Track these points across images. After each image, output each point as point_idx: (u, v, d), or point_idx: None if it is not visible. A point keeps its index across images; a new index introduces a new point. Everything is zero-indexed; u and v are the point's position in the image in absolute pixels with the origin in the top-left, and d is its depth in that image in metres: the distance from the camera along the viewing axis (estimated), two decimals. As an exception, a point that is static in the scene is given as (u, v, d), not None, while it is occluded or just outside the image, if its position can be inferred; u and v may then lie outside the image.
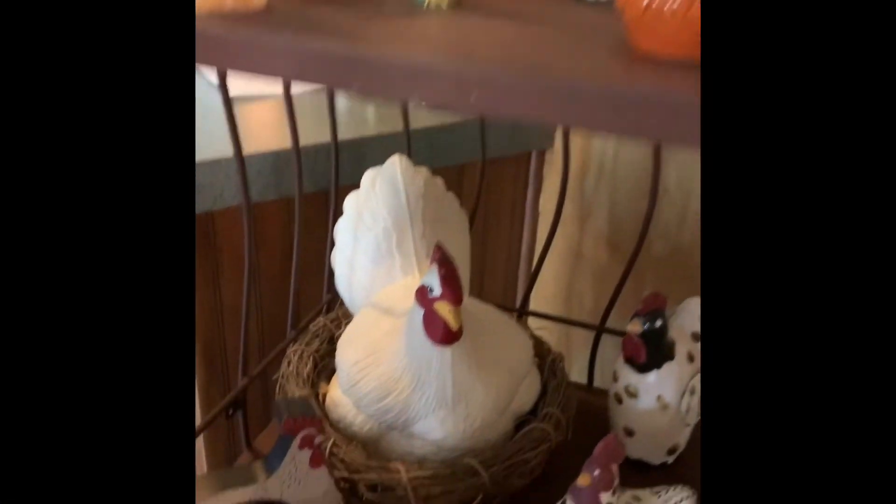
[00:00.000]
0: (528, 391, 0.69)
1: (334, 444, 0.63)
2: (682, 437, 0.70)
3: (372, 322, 0.69)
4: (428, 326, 0.59)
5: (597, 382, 0.86)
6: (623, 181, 0.97)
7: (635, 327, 0.65)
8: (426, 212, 0.74)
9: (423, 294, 0.59)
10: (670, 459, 0.71)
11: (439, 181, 0.77)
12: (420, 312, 0.60)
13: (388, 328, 0.66)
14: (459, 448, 0.63)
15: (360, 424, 0.65)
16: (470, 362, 0.62)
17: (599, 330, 0.83)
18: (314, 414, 0.56)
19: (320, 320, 0.79)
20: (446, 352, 0.60)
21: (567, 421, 0.69)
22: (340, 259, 0.76)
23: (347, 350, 0.67)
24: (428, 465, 0.62)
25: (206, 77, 1.00)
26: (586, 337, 0.89)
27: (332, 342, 0.77)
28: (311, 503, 0.59)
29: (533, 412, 0.69)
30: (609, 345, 0.87)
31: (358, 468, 0.62)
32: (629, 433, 0.69)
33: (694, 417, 0.69)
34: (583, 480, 0.50)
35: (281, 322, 0.82)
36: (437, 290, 0.57)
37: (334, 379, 0.70)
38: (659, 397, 0.67)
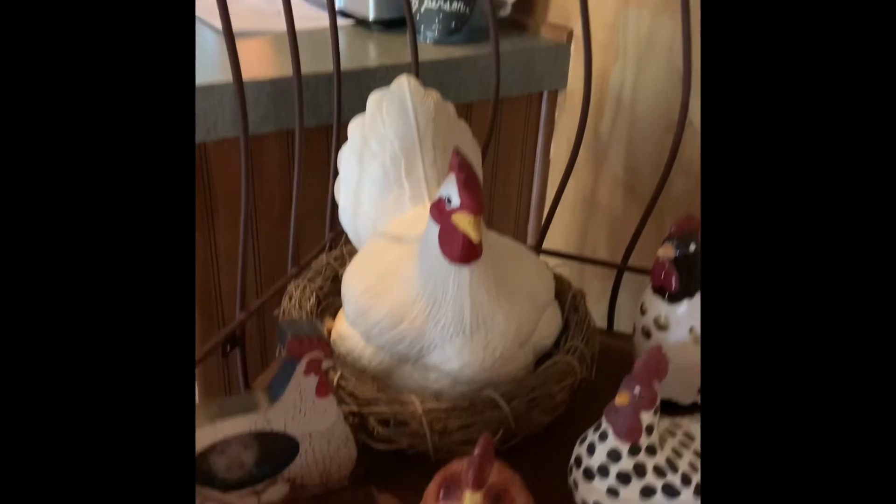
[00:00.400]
0: (549, 324, 0.64)
1: (342, 377, 0.58)
2: (715, 374, 0.65)
3: (381, 250, 0.63)
4: (445, 243, 0.54)
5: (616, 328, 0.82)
6: (642, 116, 0.92)
7: (667, 252, 0.60)
8: (437, 137, 0.68)
9: (439, 207, 0.54)
10: (700, 399, 0.66)
11: (450, 106, 0.71)
12: (436, 229, 0.55)
13: (400, 254, 0.61)
14: (477, 381, 0.58)
15: (370, 357, 0.59)
16: (489, 286, 0.57)
17: (621, 268, 0.78)
18: (321, 335, 0.50)
19: (323, 258, 0.74)
20: (464, 273, 0.55)
21: (592, 357, 0.64)
22: (345, 190, 0.71)
23: (355, 278, 0.62)
24: (445, 399, 0.57)
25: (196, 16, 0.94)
26: (603, 284, 0.84)
27: (336, 281, 0.72)
28: (318, 437, 0.53)
29: (554, 349, 0.65)
30: (625, 291, 0.83)
31: (368, 401, 0.57)
32: (657, 370, 0.64)
33: (727, 352, 0.64)
34: (621, 399, 0.45)
35: (280, 265, 0.77)
36: (456, 200, 0.52)
37: (340, 313, 0.65)
38: (692, 329, 0.62)
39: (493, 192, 1.05)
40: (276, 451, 0.53)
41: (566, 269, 0.81)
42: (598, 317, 0.82)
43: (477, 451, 0.45)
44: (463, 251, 0.53)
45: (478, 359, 0.57)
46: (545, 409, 0.60)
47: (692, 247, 0.60)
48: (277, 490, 0.54)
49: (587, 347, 0.64)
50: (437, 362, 0.57)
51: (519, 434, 0.60)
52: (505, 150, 1.03)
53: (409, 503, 0.50)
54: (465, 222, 0.51)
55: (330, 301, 0.71)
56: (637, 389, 0.45)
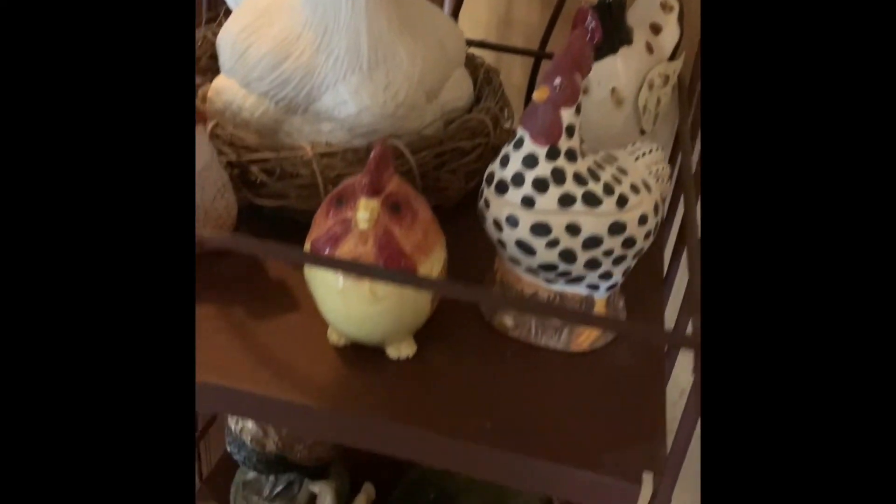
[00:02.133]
0: (459, 85, 0.57)
1: (217, 125, 0.50)
2: (636, 148, 0.61)
3: (263, -7, 0.54)
4: (335, -52, 0.45)
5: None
6: None
7: (590, -2, 0.54)
8: None
9: None
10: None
11: None
12: (324, -66, 0.46)
13: (285, -9, 0.52)
14: (378, 131, 0.50)
15: (252, 108, 0.51)
16: (390, 15, 0.49)
17: (538, 55, 0.72)
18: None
19: (200, 31, 0.63)
20: (360, -9, 0.47)
21: (505, 124, 0.58)
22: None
23: (232, 22, 0.53)
24: (340, 147, 0.49)
25: None
26: (521, 75, 0.78)
27: (213, 59, 0.62)
28: (187, 181, 0.45)
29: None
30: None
31: (250, 148, 0.49)
32: (576, 143, 0.59)
33: (650, 122, 0.60)
34: (539, 94, 0.39)
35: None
36: None
37: (217, 77, 0.55)
38: (613, 90, 0.56)
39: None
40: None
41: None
42: (518, 105, 0.76)
43: (373, 154, 0.38)
44: (356, -48, 0.45)
45: (378, 102, 0.49)
46: (456, 169, 0.53)
47: (617, -9, 0.55)
48: (140, 243, 0.46)
49: (501, 114, 0.58)
50: (329, 108, 0.50)
51: (428, 202, 0.53)
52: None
53: (297, 271, 0.43)
54: None
55: (209, 77, 0.61)
56: (557, 81, 0.39)
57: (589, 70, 0.41)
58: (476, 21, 0.79)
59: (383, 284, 0.38)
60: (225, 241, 0.40)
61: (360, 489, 0.74)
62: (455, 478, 0.75)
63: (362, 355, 0.42)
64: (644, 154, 0.45)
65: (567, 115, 0.39)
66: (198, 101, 0.47)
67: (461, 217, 0.50)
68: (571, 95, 0.39)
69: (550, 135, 0.39)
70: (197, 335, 0.42)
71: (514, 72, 0.96)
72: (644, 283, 0.50)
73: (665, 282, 0.55)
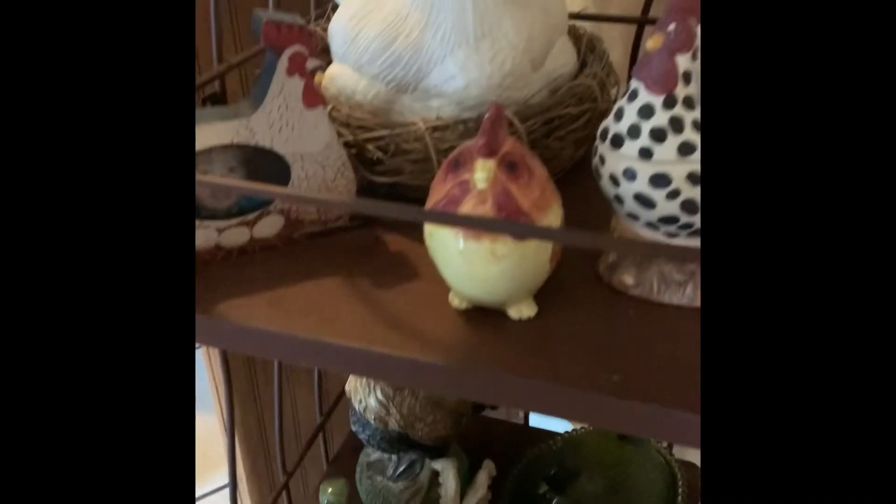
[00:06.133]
0: (564, 53, 0.57)
1: (334, 108, 0.52)
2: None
3: (369, -19, 0.56)
4: (439, -76, 0.47)
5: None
6: None
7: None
8: None
9: None
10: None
11: None
12: (427, -88, 0.47)
13: (390, -23, 0.54)
14: (485, 103, 0.51)
15: (365, 91, 0.53)
16: (494, -14, 0.50)
17: (642, 21, 0.70)
18: (303, 25, 0.44)
19: (310, 27, 0.67)
20: (464, -34, 0.48)
21: (612, 89, 0.57)
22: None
23: (341, 11, 0.55)
24: (452, 120, 0.51)
25: None
26: (622, 51, 0.76)
27: (325, 53, 0.65)
28: (311, 161, 0.48)
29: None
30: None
31: (365, 128, 0.51)
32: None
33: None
34: (654, 42, 0.38)
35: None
36: None
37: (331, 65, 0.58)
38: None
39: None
40: (265, 175, 0.47)
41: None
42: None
43: (487, 115, 0.39)
44: (459, -74, 0.46)
45: (484, 73, 0.50)
46: (565, 137, 0.53)
47: None
48: (271, 222, 0.49)
49: (608, 77, 0.57)
50: (438, 84, 0.51)
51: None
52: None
53: (416, 243, 0.44)
54: None
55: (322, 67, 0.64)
56: (672, 27, 0.38)
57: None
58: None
59: (503, 244, 0.39)
60: (357, 205, 0.41)
61: (477, 470, 0.75)
62: (576, 454, 0.75)
63: (484, 317, 0.43)
64: (764, 100, 0.43)
65: (683, 61, 0.39)
66: (315, 85, 0.49)
67: (573, 182, 0.50)
68: (687, 40, 0.38)
69: (666, 83, 0.39)
70: (330, 303, 0.45)
71: (615, 47, 0.95)
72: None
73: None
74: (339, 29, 0.54)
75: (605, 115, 0.56)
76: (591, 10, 0.94)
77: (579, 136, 0.55)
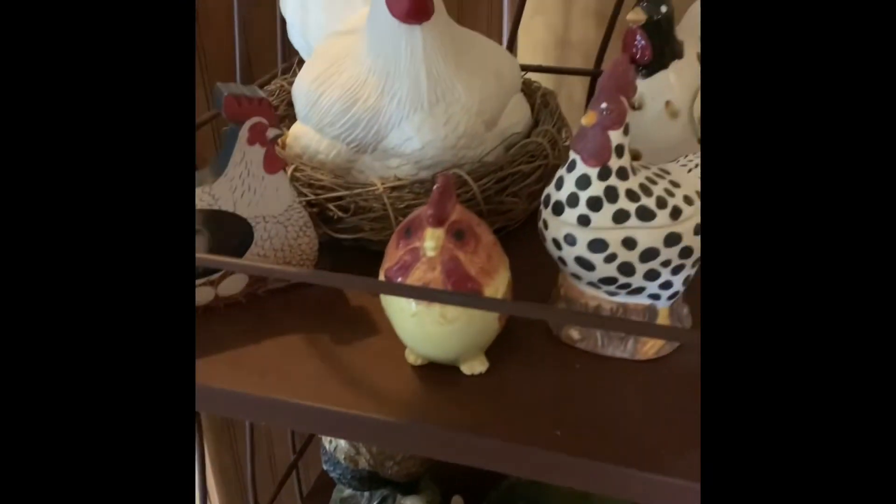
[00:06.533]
0: (516, 111, 0.59)
1: (296, 168, 0.55)
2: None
3: (331, 44, 0.59)
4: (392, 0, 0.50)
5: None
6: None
7: (637, 16, 0.56)
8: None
9: (382, -42, 0.49)
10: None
11: None
12: (381, -12, 0.50)
13: (350, 41, 0.56)
14: (441, 162, 0.54)
15: (326, 151, 0.55)
16: (446, 54, 0.53)
17: (594, 73, 0.74)
18: (262, 97, 0.46)
19: (276, 81, 0.69)
20: (416, 36, 0.51)
21: (564, 145, 0.60)
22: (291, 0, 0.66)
23: (304, 73, 0.58)
24: (408, 180, 0.53)
25: None
26: (582, 92, 0.80)
27: (290, 106, 0.67)
28: (273, 222, 0.50)
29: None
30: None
31: (326, 188, 0.53)
32: (635, 157, 0.60)
33: (708, 130, 0.60)
34: (588, 119, 0.41)
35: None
36: (398, -59, 0.47)
37: (294, 124, 0.61)
38: (668, 103, 0.58)
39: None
40: (229, 237, 0.50)
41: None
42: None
43: (436, 186, 0.42)
44: (412, 1, 0.49)
45: (439, 135, 0.53)
46: (517, 193, 0.56)
47: (664, 9, 0.56)
48: (235, 280, 0.51)
49: (559, 135, 0.60)
50: (396, 145, 0.54)
51: (492, 224, 0.56)
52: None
53: (376, 298, 0.46)
54: (409, -37, 0.47)
55: (285, 124, 0.66)
56: (604, 105, 0.41)
57: (634, 91, 0.43)
58: (535, 41, 0.82)
59: (452, 308, 0.41)
60: (309, 276, 0.44)
61: (450, 502, 0.77)
62: (545, 489, 0.77)
63: (439, 373, 0.45)
64: (697, 165, 0.46)
65: (615, 136, 0.42)
66: (278, 148, 0.51)
67: (526, 235, 0.53)
68: (618, 118, 0.41)
69: (601, 156, 0.42)
70: (289, 360, 0.47)
71: (575, 89, 0.99)
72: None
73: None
74: (301, 92, 0.57)
75: (556, 169, 0.59)
76: (552, 57, 0.97)
77: (532, 189, 0.57)
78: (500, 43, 1.05)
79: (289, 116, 0.67)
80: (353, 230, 0.54)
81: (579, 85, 0.98)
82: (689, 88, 0.59)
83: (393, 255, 0.43)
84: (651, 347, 0.46)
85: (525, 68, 0.74)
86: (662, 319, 0.46)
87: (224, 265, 0.47)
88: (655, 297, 0.45)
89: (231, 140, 0.47)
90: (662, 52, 0.57)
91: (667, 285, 0.44)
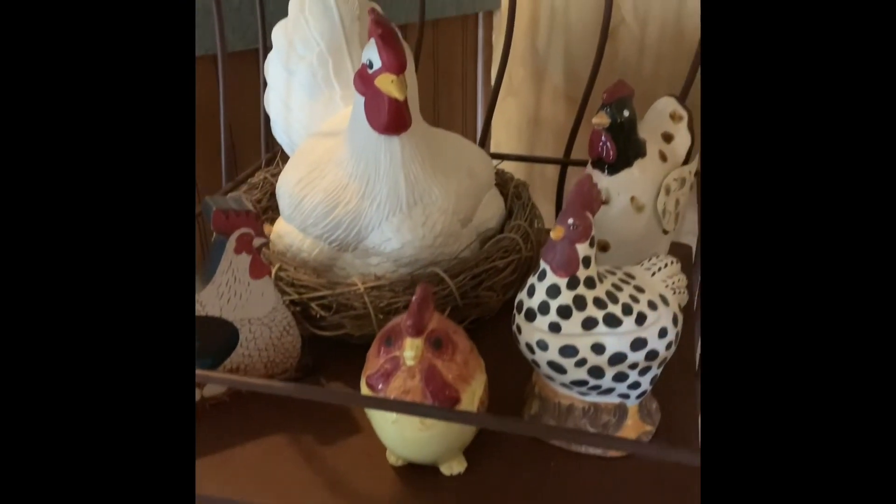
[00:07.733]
0: (491, 206, 0.63)
1: (280, 268, 0.57)
2: (661, 247, 0.65)
3: (313, 146, 0.62)
4: (371, 112, 0.53)
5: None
6: (576, 21, 0.91)
7: (602, 119, 0.59)
8: (363, 35, 0.67)
9: (362, 75, 0.52)
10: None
11: (375, 6, 0.70)
12: (362, 101, 0.53)
13: (332, 145, 0.59)
14: (420, 260, 0.57)
15: (309, 249, 0.58)
16: (423, 160, 0.56)
17: (564, 162, 0.77)
18: (249, 209, 0.49)
19: (260, 174, 0.72)
20: (395, 145, 0.54)
21: (536, 238, 0.63)
22: (274, 99, 0.69)
23: (288, 173, 0.60)
24: (387, 278, 0.56)
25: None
26: (551, 191, 0.83)
27: (274, 197, 0.70)
28: (258, 324, 0.52)
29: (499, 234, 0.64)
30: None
31: (309, 287, 0.55)
32: (603, 248, 0.63)
33: (671, 222, 0.64)
34: (556, 233, 0.44)
35: (216, 187, 0.75)
36: (377, 61, 0.50)
37: (278, 219, 0.63)
38: (633, 199, 0.61)
39: (437, 122, 1.04)
40: (215, 339, 0.51)
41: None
42: (548, 217, 0.81)
43: (414, 297, 0.44)
44: (390, 117, 0.52)
45: (417, 236, 0.56)
46: (492, 286, 0.59)
47: (626, 112, 0.60)
48: (220, 381, 0.52)
49: (531, 228, 0.63)
50: (376, 244, 0.56)
51: (469, 316, 0.59)
52: (445, 77, 1.02)
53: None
54: (387, 83, 0.50)
55: (269, 216, 0.69)
56: (571, 221, 0.44)
57: (599, 206, 0.46)
58: (508, 121, 0.86)
59: (432, 413, 0.43)
60: (291, 390, 0.44)
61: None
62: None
63: (419, 473, 0.47)
64: (660, 269, 0.49)
65: (582, 248, 0.44)
66: (265, 250, 0.53)
67: (501, 323, 0.55)
68: (584, 232, 0.44)
69: (569, 267, 0.44)
70: (273, 463, 0.48)
71: (547, 167, 1.03)
72: (678, 377, 0.54)
73: (698, 375, 0.59)
74: (286, 193, 0.59)
75: (529, 262, 0.62)
76: (524, 136, 1.01)
77: (507, 281, 0.60)
78: (475, 123, 1.10)
79: (272, 208, 0.69)
80: (335, 327, 0.56)
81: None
82: (653, 184, 0.62)
83: (374, 363, 0.45)
84: (622, 444, 0.48)
85: (498, 156, 0.78)
86: (632, 416, 0.48)
87: (210, 380, 0.49)
88: (625, 396, 0.48)
89: (218, 250, 0.49)
90: (626, 151, 0.61)
91: (635, 385, 0.47)
